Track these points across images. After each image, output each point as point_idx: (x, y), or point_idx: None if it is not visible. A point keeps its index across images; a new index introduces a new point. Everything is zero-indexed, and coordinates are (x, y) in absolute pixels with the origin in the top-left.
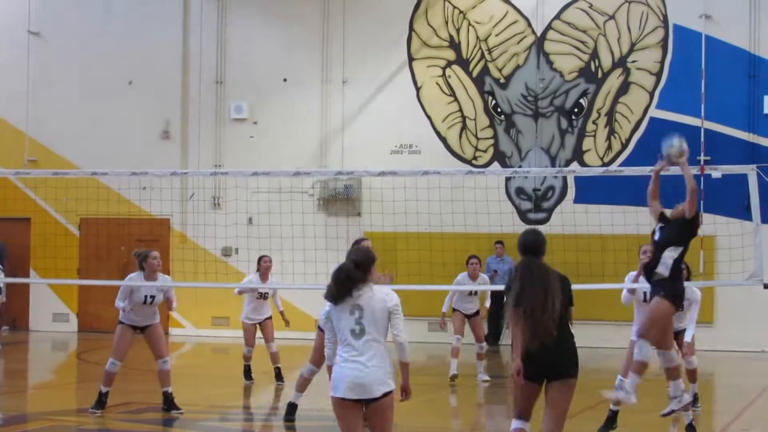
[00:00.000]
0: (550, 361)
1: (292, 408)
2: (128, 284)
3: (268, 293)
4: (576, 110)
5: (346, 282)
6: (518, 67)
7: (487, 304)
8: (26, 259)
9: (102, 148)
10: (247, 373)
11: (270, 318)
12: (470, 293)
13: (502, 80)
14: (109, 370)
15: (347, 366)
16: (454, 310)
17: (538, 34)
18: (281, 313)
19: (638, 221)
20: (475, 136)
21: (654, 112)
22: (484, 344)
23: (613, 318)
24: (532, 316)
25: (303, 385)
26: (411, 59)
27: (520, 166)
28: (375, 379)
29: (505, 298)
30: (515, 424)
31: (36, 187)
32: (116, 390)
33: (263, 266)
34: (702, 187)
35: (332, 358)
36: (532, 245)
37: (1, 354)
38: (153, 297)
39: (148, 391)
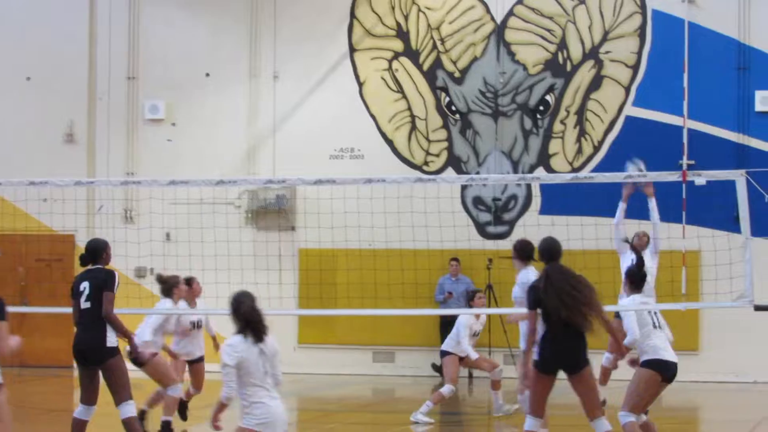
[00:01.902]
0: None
1: None
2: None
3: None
4: (541, 108)
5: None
6: (475, 59)
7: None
8: None
9: None
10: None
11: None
12: (475, 334)
13: (457, 74)
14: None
15: (274, 404)
16: (447, 353)
17: (498, 21)
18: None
19: (612, 235)
20: (426, 138)
21: (630, 110)
22: (500, 368)
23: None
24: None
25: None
26: (352, 50)
27: (477, 173)
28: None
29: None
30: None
31: None
32: None
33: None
34: (684, 196)
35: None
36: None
37: None
38: (200, 320)
39: None
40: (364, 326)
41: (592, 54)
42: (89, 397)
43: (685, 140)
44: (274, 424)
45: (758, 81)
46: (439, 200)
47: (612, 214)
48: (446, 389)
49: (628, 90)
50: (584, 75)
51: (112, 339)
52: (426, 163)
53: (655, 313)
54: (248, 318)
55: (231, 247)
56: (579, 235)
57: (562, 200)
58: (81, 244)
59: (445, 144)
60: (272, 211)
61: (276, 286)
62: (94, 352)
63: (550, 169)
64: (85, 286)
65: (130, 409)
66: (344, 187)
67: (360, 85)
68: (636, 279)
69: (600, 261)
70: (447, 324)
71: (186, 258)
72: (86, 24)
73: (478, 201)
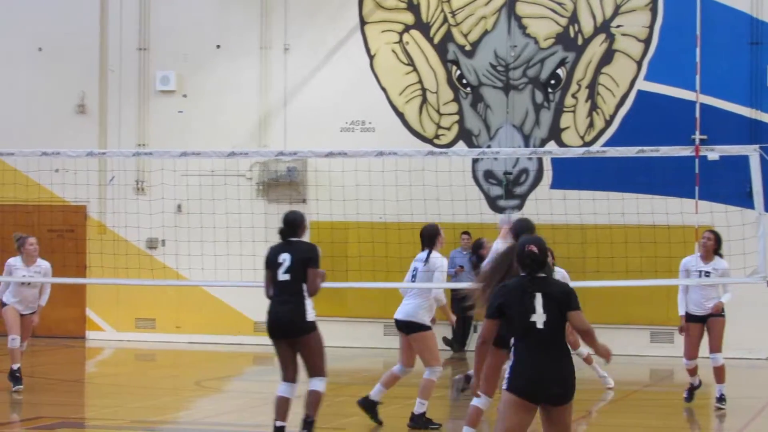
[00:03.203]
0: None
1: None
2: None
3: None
4: (553, 82)
5: None
6: (486, 32)
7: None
8: None
9: (7, 125)
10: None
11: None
12: None
13: (468, 47)
14: (12, 346)
15: None
16: None
17: None
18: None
19: (624, 209)
20: (437, 111)
21: (642, 85)
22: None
23: (599, 321)
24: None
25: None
26: (363, 23)
27: (488, 146)
28: None
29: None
30: None
31: None
32: (25, 403)
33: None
34: (697, 171)
35: None
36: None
37: None
38: (31, 278)
39: (59, 404)
40: (376, 299)
41: (604, 28)
42: (291, 374)
43: (697, 115)
44: None
45: None
46: (451, 174)
47: (623, 189)
48: None
49: (639, 64)
50: (596, 49)
51: (311, 313)
52: (437, 136)
53: None
54: None
55: (242, 219)
56: (591, 209)
57: (573, 174)
58: (93, 215)
59: (456, 117)
60: (283, 184)
61: None
62: (294, 325)
63: (561, 143)
64: (285, 258)
65: (321, 385)
66: (356, 159)
67: (371, 57)
68: None
69: (612, 236)
70: (458, 298)
71: (197, 230)
72: None
73: (489, 175)
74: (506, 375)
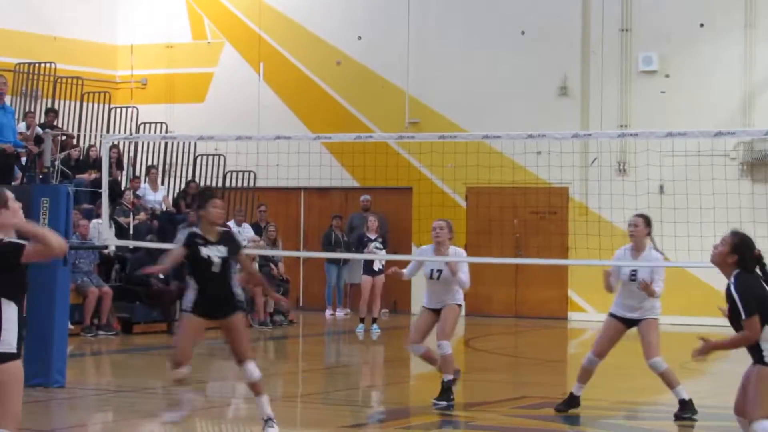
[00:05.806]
0: None
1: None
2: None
3: None
4: None
5: None
6: None
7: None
8: (407, 233)
9: (490, 108)
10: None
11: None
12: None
13: None
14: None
15: None
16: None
17: None
18: None
19: None
20: None
21: None
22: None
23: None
24: None
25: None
26: None
27: None
28: None
29: None
30: None
31: (420, 153)
32: (510, 383)
33: None
34: None
35: None
36: None
37: (380, 339)
38: (440, 271)
39: (543, 383)
40: None
41: None
42: None
43: None
44: None
45: None
46: None
47: None
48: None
49: None
50: None
51: None
52: None
53: None
54: None
55: (728, 200)
56: None
57: None
58: (575, 197)
59: None
60: None
61: None
62: None
63: None
64: None
65: None
66: None
67: None
68: None
69: None
70: None
71: (682, 211)
72: None
73: None
74: None
